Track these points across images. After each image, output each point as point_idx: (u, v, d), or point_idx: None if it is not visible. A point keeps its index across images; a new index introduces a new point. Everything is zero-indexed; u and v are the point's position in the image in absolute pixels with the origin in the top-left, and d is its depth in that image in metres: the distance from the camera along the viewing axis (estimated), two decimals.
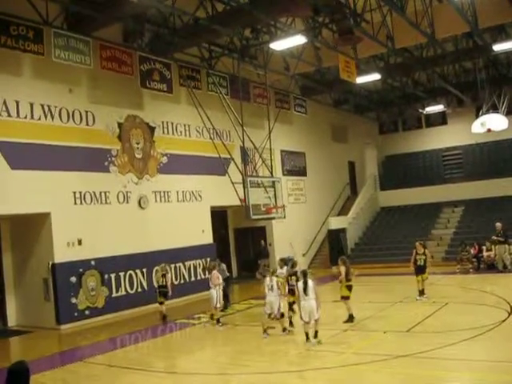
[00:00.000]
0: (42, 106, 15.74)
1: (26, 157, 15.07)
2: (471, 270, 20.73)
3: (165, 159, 19.60)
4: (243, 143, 18.97)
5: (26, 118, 15.29)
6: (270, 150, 20.51)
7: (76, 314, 15.97)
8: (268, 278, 12.55)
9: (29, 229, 16.32)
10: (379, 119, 36.07)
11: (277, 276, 13.03)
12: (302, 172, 28.03)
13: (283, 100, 25.72)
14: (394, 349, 10.25)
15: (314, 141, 29.04)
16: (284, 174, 25.86)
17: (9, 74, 15.00)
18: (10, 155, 14.70)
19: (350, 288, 13.16)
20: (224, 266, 16.25)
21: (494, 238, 20.68)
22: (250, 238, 25.48)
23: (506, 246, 20.27)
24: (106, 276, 16.96)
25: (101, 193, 17.12)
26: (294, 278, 13.07)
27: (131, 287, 17.74)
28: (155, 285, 16.22)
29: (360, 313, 13.30)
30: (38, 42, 14.73)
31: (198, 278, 20.34)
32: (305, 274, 11.55)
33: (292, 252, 25.01)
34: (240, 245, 25.80)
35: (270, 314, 12.42)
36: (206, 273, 20.15)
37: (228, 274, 16.66)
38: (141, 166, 18.66)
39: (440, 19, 18.55)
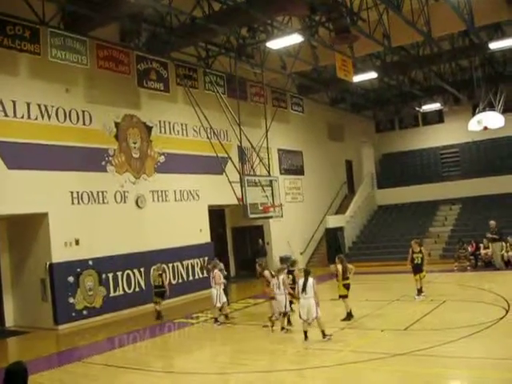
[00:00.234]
0: (39, 105, 15.71)
1: (22, 157, 15.05)
2: (469, 268, 20.77)
3: (162, 158, 19.59)
4: (240, 142, 18.96)
5: (22, 117, 15.26)
6: (267, 148, 20.50)
7: (74, 314, 15.95)
8: (275, 277, 12.59)
9: (26, 229, 16.29)
10: (376, 118, 36.09)
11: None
12: (299, 171, 28.05)
13: (280, 99, 25.72)
14: (392, 347, 10.27)
15: (311, 139, 29.05)
16: (281, 173, 25.87)
17: (5, 74, 14.97)
18: (6, 155, 14.68)
19: (347, 286, 13.16)
20: (222, 265, 16.24)
21: (489, 235, 20.76)
22: (247, 237, 25.49)
23: (503, 243, 20.32)
24: (104, 276, 16.94)
25: (98, 192, 17.10)
26: (291, 276, 13.13)
27: (129, 287, 17.72)
28: (152, 284, 16.24)
29: (358, 311, 13.32)
30: (35, 42, 14.69)
31: (196, 277, 20.35)
32: (307, 272, 11.55)
33: (290, 251, 25.01)
34: (238, 244, 25.80)
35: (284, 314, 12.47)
36: (205, 272, 20.30)
37: (226, 273, 16.66)
38: (138, 165, 18.65)
39: (436, 17, 18.58)
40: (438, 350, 9.72)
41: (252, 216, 17.74)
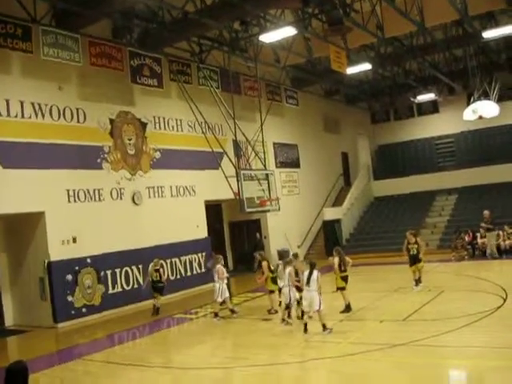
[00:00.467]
0: (33, 104, 15.65)
1: (17, 156, 14.99)
2: (466, 257, 20.85)
3: (157, 155, 19.55)
4: (235, 136, 18.96)
5: (16, 116, 15.20)
6: (263, 142, 20.50)
7: (73, 312, 15.95)
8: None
9: (23, 228, 16.26)
10: (371, 109, 36.04)
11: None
12: (295, 164, 28.04)
13: (274, 92, 25.67)
14: (390, 338, 10.32)
15: (307, 132, 29.03)
16: (277, 167, 25.86)
17: None
18: (1, 154, 14.62)
19: (345, 279, 13.19)
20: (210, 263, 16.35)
21: (483, 225, 20.87)
22: (244, 232, 25.52)
23: (499, 232, 20.43)
24: (102, 273, 16.93)
25: (94, 190, 17.07)
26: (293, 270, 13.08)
27: (127, 284, 17.72)
28: (149, 279, 16.29)
29: (356, 303, 13.35)
30: (27, 40, 14.60)
31: (194, 272, 20.37)
32: (312, 265, 11.58)
33: (287, 244, 25.04)
34: (235, 238, 25.82)
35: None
36: (203, 267, 20.36)
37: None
38: (133, 162, 18.62)
39: (429, 7, 18.54)
40: (436, 339, 9.78)
41: (249, 210, 17.76)
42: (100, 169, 17.38)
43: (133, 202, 18.30)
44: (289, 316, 12.74)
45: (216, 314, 14.23)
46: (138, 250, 17.97)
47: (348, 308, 13.00)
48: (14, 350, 14.48)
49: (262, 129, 19.84)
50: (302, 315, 12.46)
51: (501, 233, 20.49)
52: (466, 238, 21.24)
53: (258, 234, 24.25)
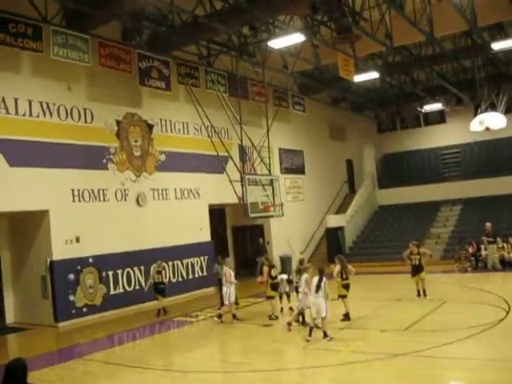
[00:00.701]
0: (41, 103, 15.72)
1: (24, 154, 15.06)
2: (469, 269, 20.76)
3: (163, 157, 19.59)
4: (241, 141, 18.96)
5: (24, 115, 15.28)
6: (269, 148, 20.50)
7: (74, 312, 15.97)
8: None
9: (27, 226, 16.31)
10: (377, 117, 36.04)
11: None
12: (300, 170, 28.04)
13: (281, 98, 25.71)
14: (391, 347, 10.27)
15: (312, 139, 29.04)
16: (282, 172, 25.86)
17: (8, 72, 14.98)
18: (8, 152, 14.70)
19: (346, 287, 13.17)
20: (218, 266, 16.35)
21: (484, 238, 20.86)
22: (247, 236, 25.47)
23: (504, 244, 20.38)
24: (104, 273, 16.96)
25: (99, 190, 17.11)
26: (299, 276, 13.03)
27: (129, 285, 17.74)
28: (151, 281, 16.33)
29: (357, 311, 13.31)
30: (37, 40, 14.70)
31: (196, 275, 20.37)
32: (321, 271, 11.56)
33: (290, 250, 25.02)
34: (238, 243, 25.79)
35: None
36: (205, 271, 20.36)
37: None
38: (139, 163, 18.66)
39: (439, 17, 18.53)
40: (437, 350, 9.73)
41: (252, 215, 17.73)
42: (105, 169, 17.43)
43: (137, 204, 18.34)
44: (300, 322, 12.63)
45: (220, 316, 14.20)
46: (141, 251, 17.99)
47: (347, 317, 12.95)
48: (14, 348, 14.50)
49: (268, 134, 19.84)
50: (303, 321, 12.51)
51: (505, 245, 20.42)
52: (470, 250, 21.14)
53: (261, 239, 24.21)
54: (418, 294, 15.09)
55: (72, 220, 16.17)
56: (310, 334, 11.34)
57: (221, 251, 22.02)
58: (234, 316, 14.25)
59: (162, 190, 19.41)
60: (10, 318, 16.67)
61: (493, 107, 25.21)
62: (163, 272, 16.26)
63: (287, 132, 26.89)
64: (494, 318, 11.89)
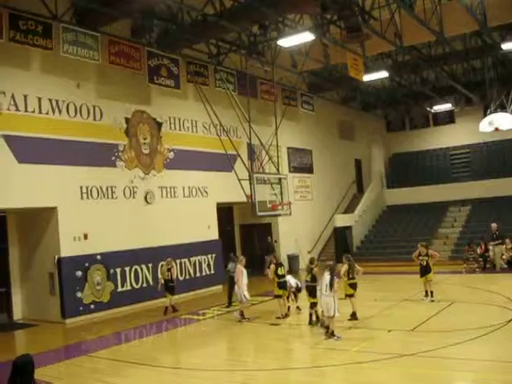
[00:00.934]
0: (50, 100, 15.78)
1: (33, 151, 15.13)
2: (477, 270, 20.67)
3: (171, 155, 19.62)
4: (250, 140, 18.95)
5: (33, 112, 15.34)
6: (277, 146, 20.49)
7: (81, 309, 16.03)
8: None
9: (35, 223, 16.39)
10: (387, 117, 35.98)
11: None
12: (308, 169, 28.01)
13: (290, 97, 25.68)
14: (398, 347, 10.26)
15: (321, 138, 29.00)
16: (290, 171, 25.86)
17: (18, 69, 15.04)
18: (17, 149, 14.76)
19: (353, 286, 13.14)
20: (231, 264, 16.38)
21: (491, 243, 20.84)
22: (255, 235, 25.47)
23: (511, 245, 20.34)
24: (112, 271, 17.00)
25: (107, 188, 17.17)
26: (309, 275, 13.01)
27: (136, 282, 17.78)
28: (160, 278, 16.36)
29: (365, 311, 13.28)
30: (47, 37, 14.75)
31: (203, 273, 20.39)
32: (332, 269, 11.55)
33: (297, 249, 25.03)
34: (245, 241, 25.79)
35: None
36: (212, 269, 20.39)
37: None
38: (147, 161, 18.70)
39: (449, 17, 18.45)
40: (444, 351, 9.70)
41: (260, 214, 17.73)
42: (114, 167, 17.47)
43: (145, 201, 18.37)
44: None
45: (242, 313, 14.21)
46: (149, 249, 18.02)
47: (354, 316, 12.92)
48: (22, 344, 14.56)
49: (276, 133, 19.83)
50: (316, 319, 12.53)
51: (506, 246, 20.44)
52: (478, 251, 21.06)
53: (269, 238, 24.22)
54: (426, 295, 15.04)
55: (80, 217, 16.23)
56: (326, 332, 11.34)
57: (228, 250, 22.06)
58: (242, 314, 14.24)
59: (171, 187, 19.45)
60: (17, 314, 16.75)
61: (502, 108, 25.09)
62: (172, 270, 16.28)
63: (296, 131, 26.87)
64: (501, 319, 11.83)
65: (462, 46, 22.76)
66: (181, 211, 19.44)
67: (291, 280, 14.52)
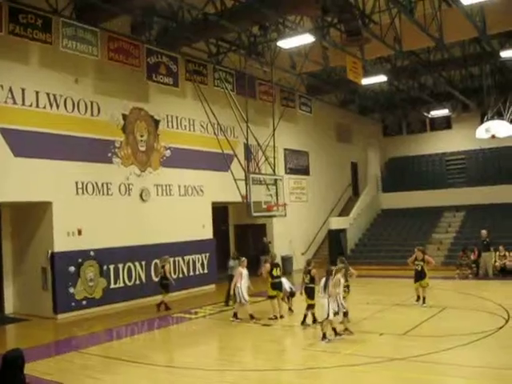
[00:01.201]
0: (48, 94, 15.74)
1: (29, 145, 15.07)
2: (470, 276, 20.72)
3: (168, 153, 19.60)
4: (247, 140, 18.95)
5: (31, 105, 15.29)
6: (274, 147, 20.49)
7: (73, 304, 15.98)
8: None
9: (29, 217, 16.34)
10: (383, 121, 36.05)
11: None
12: (304, 171, 28.03)
13: (288, 98, 25.69)
14: (389, 351, 10.27)
15: (318, 140, 29.03)
16: (286, 173, 25.87)
17: (16, 62, 14.99)
18: (13, 142, 14.71)
19: (346, 288, 13.12)
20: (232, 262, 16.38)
21: (475, 247, 20.95)
22: (250, 235, 25.45)
23: (506, 253, 20.37)
24: (105, 267, 16.96)
25: (103, 184, 17.13)
26: (308, 276, 12.99)
27: (129, 279, 17.75)
28: (155, 277, 16.41)
29: (357, 314, 13.26)
30: (47, 31, 14.72)
31: (197, 272, 20.37)
32: (330, 272, 11.56)
33: (291, 250, 25.03)
34: (240, 241, 25.75)
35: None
36: (205, 268, 20.36)
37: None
38: (144, 158, 18.67)
39: (448, 23, 18.47)
40: (435, 356, 9.71)
41: (255, 214, 17.71)
42: (110, 163, 17.44)
43: (140, 199, 18.34)
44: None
45: (235, 314, 14.16)
46: (143, 246, 18.00)
47: (345, 315, 12.88)
48: (12, 338, 14.52)
49: (274, 134, 19.83)
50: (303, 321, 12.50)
51: (507, 253, 20.42)
52: (472, 257, 21.11)
53: (265, 238, 24.22)
54: (418, 299, 15.07)
55: (75, 212, 16.18)
56: (335, 334, 11.39)
57: (222, 249, 22.08)
58: (235, 315, 14.19)
59: (166, 185, 19.42)
60: (9, 309, 16.69)
61: (499, 115, 25.16)
62: (166, 267, 16.24)
63: (293, 132, 26.88)
64: (493, 325, 11.87)
65: (460, 52, 22.83)
66: (176, 209, 19.41)
67: (285, 284, 14.50)
